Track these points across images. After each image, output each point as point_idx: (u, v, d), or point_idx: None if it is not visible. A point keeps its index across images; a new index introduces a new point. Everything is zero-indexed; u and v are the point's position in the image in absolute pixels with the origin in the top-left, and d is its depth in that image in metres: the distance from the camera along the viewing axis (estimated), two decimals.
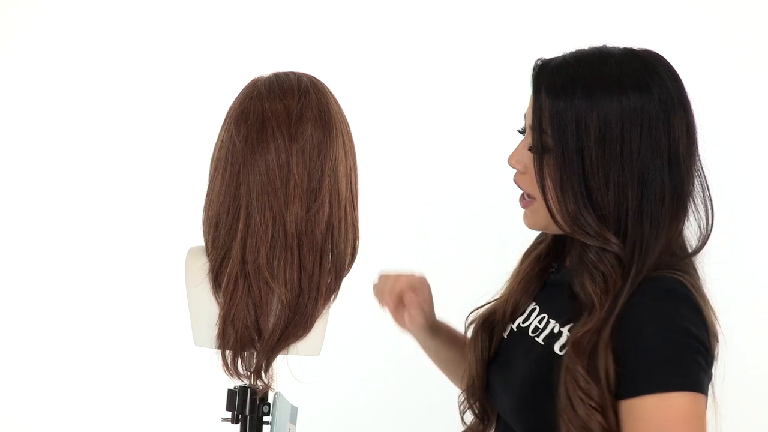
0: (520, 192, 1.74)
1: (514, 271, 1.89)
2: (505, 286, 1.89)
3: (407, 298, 1.94)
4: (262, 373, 1.79)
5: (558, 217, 1.66)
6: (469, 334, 1.89)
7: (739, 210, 2.90)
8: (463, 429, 1.79)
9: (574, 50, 1.70)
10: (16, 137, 3.16)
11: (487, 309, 1.86)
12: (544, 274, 1.84)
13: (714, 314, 1.66)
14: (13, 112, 3.16)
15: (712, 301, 1.70)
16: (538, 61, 1.70)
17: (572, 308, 1.68)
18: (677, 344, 1.57)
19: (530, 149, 1.68)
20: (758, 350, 2.90)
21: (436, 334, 2.01)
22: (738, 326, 2.79)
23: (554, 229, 1.70)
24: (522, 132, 1.73)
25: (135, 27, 3.13)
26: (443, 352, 2.03)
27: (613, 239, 1.63)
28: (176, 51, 3.12)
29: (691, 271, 1.67)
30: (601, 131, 1.62)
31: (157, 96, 3.13)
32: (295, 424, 1.86)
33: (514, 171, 1.74)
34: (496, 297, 1.90)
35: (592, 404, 1.59)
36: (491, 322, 1.84)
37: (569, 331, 1.68)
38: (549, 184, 1.65)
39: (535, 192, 1.69)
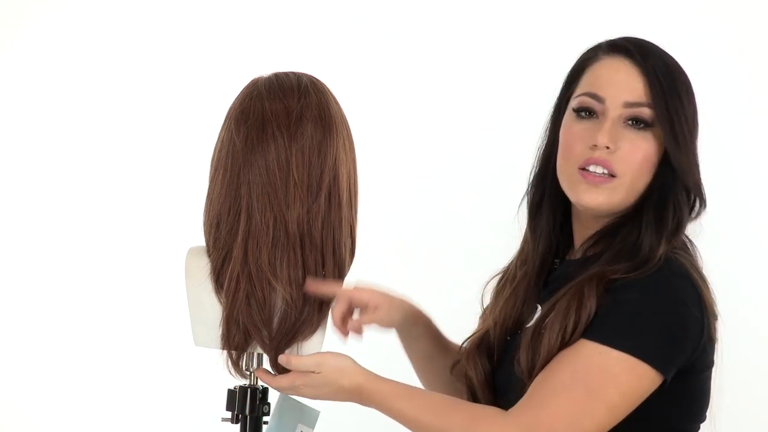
0: (595, 170, 1.71)
1: (498, 298, 1.87)
2: (488, 313, 1.87)
3: (353, 324, 1.87)
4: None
5: (687, 179, 1.69)
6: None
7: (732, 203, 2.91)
8: None
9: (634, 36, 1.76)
10: (17, 138, 3.16)
11: (478, 335, 1.86)
12: (540, 279, 1.83)
13: (713, 293, 1.68)
14: (14, 112, 3.16)
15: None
16: (623, 39, 1.75)
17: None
18: (652, 312, 1.59)
19: (631, 124, 1.70)
20: (752, 350, 2.90)
21: (415, 324, 1.96)
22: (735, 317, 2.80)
23: (625, 206, 1.71)
24: (585, 113, 1.73)
25: (135, 28, 3.13)
26: (422, 342, 1.97)
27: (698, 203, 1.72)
28: (176, 51, 3.12)
29: (686, 251, 1.70)
30: (694, 113, 1.72)
31: (158, 96, 3.13)
32: (312, 428, 1.85)
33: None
34: (480, 326, 1.88)
35: (565, 336, 1.63)
36: (487, 344, 1.83)
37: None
38: (674, 151, 1.69)
39: (628, 170, 1.69)
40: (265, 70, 1.83)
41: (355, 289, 1.81)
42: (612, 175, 1.70)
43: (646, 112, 1.69)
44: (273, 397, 1.85)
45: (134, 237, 3.13)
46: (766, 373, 2.94)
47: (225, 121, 1.80)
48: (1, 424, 3.17)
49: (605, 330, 1.60)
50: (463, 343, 1.89)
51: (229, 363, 1.80)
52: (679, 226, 1.69)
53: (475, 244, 3.02)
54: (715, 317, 1.66)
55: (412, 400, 1.68)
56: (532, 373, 1.65)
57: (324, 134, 1.76)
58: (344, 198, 1.78)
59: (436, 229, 3.06)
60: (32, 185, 3.15)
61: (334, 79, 1.89)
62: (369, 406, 1.72)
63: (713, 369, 1.71)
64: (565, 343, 1.62)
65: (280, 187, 1.74)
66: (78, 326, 3.14)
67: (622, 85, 1.70)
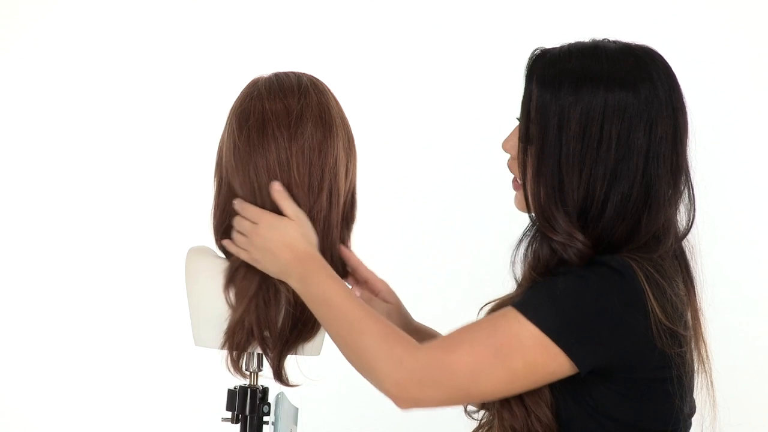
0: (512, 176, 1.77)
1: None
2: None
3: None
4: (283, 372, 1.79)
5: (531, 206, 1.70)
6: None
7: (729, 209, 2.91)
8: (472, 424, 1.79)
9: (571, 42, 1.72)
10: (17, 137, 3.16)
11: (497, 302, 1.87)
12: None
13: (680, 308, 1.66)
14: (14, 112, 3.16)
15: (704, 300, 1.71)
16: (536, 50, 1.73)
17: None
18: (577, 299, 1.60)
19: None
20: (741, 355, 2.90)
21: (416, 335, 1.99)
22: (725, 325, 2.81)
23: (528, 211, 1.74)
24: (519, 119, 1.76)
25: (135, 28, 3.13)
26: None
27: (580, 237, 1.65)
28: (177, 51, 3.12)
29: (661, 263, 1.67)
30: (581, 127, 1.65)
31: (158, 96, 3.13)
32: (296, 425, 1.85)
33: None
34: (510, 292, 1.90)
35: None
36: None
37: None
38: (529, 172, 1.68)
39: (521, 178, 1.72)
40: (265, 70, 1.83)
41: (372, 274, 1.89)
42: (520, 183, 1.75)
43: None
44: (273, 397, 1.85)
45: (134, 237, 3.14)
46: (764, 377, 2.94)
47: (226, 121, 1.80)
48: (1, 424, 3.17)
49: (533, 306, 1.62)
50: (484, 306, 1.91)
51: (230, 362, 1.80)
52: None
53: (476, 242, 3.02)
54: (671, 332, 1.64)
55: (351, 295, 1.70)
56: None
57: (324, 134, 1.76)
58: (344, 198, 1.79)
59: (437, 227, 3.06)
60: (33, 185, 3.16)
61: (334, 79, 1.89)
62: (302, 283, 1.72)
63: (676, 382, 1.68)
64: None
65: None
66: (78, 326, 3.14)
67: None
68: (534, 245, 1.70)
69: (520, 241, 1.74)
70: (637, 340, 1.62)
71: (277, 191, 1.74)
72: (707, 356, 1.72)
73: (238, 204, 1.76)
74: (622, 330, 1.61)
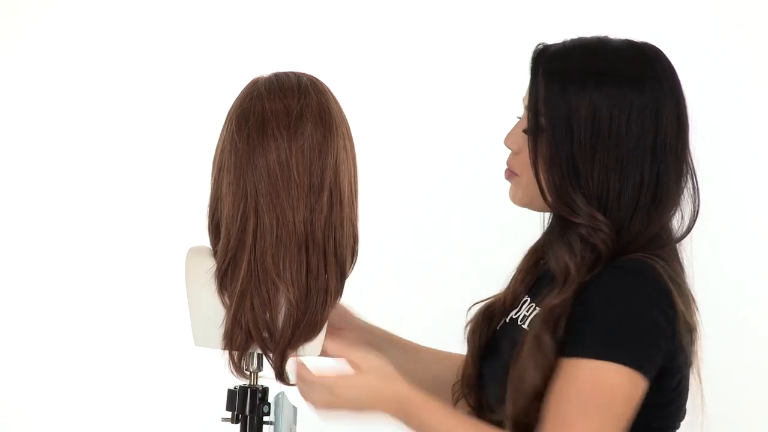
0: (506, 167, 1.79)
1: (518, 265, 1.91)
2: (508, 281, 1.90)
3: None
4: (285, 373, 1.79)
5: (547, 195, 1.71)
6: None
7: (730, 204, 2.91)
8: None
9: (575, 37, 1.75)
10: (17, 137, 3.16)
11: (488, 302, 1.88)
12: (538, 266, 1.86)
13: (692, 304, 1.69)
14: (14, 112, 3.16)
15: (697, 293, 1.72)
16: (539, 45, 1.76)
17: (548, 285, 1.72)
18: (627, 320, 1.61)
19: (524, 131, 1.73)
20: (740, 350, 2.90)
21: (417, 353, 2.00)
22: (722, 321, 2.81)
23: (538, 206, 1.75)
24: (527, 110, 1.78)
25: (135, 28, 3.13)
26: (433, 368, 2.00)
27: (601, 218, 1.67)
28: (177, 52, 3.12)
29: (670, 260, 1.70)
30: (590, 114, 1.68)
31: (158, 97, 3.13)
32: (295, 424, 1.85)
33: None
34: (499, 292, 1.91)
35: (547, 373, 1.64)
36: (491, 312, 1.86)
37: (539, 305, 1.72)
38: (540, 163, 1.70)
39: (524, 172, 1.74)
40: (265, 70, 1.83)
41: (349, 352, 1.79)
42: (515, 173, 1.78)
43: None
44: (273, 397, 1.85)
45: (134, 237, 3.13)
46: (764, 373, 2.94)
47: (226, 121, 1.80)
48: (1, 424, 3.17)
49: (592, 344, 1.62)
50: (473, 306, 1.91)
51: (231, 363, 1.80)
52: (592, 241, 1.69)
53: (477, 243, 3.02)
54: (687, 326, 1.67)
55: (449, 419, 1.66)
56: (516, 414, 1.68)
57: (324, 134, 1.76)
58: (345, 198, 1.78)
59: (438, 228, 3.06)
60: (32, 185, 3.15)
61: (334, 79, 1.89)
62: (403, 419, 1.68)
63: (688, 377, 1.72)
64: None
65: (282, 187, 1.74)
66: (78, 326, 3.14)
67: (526, 94, 1.77)
68: (565, 237, 1.70)
69: (547, 239, 1.76)
70: (674, 339, 1.65)
71: (340, 347, 1.70)
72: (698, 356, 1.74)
73: (312, 370, 1.71)
74: (667, 333, 1.63)
